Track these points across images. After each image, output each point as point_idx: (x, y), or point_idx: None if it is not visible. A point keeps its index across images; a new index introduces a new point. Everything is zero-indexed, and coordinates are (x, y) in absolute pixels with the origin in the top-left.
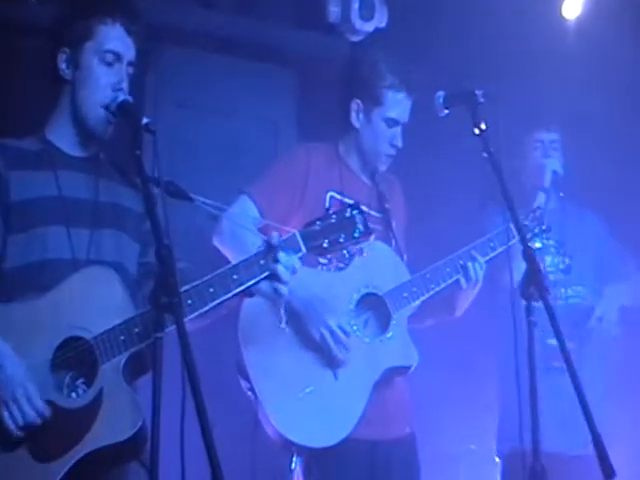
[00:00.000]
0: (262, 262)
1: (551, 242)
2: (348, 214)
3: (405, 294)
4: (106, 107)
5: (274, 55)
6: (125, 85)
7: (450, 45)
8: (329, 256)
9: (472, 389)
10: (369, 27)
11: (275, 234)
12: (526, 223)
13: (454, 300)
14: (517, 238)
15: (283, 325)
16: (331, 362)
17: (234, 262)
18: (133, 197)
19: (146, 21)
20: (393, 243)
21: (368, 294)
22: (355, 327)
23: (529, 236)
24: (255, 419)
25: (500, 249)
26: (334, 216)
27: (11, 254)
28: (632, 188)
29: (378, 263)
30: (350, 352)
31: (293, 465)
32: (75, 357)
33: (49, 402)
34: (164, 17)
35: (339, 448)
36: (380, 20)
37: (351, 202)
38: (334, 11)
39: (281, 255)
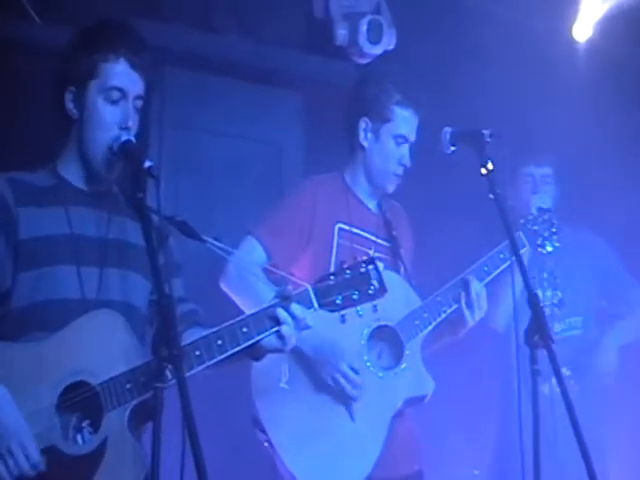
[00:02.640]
0: (272, 315)
1: (544, 275)
2: (363, 269)
3: (417, 322)
4: (109, 148)
5: (280, 78)
6: (132, 122)
7: (458, 70)
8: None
9: (476, 414)
10: (377, 50)
11: (289, 286)
12: (535, 228)
13: (457, 324)
14: (523, 284)
15: (283, 384)
16: (346, 402)
17: (243, 315)
18: None
19: (150, 45)
20: (402, 270)
21: (380, 327)
22: (368, 363)
23: (539, 241)
24: (274, 469)
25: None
26: (348, 271)
27: (19, 293)
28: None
29: (389, 293)
30: (364, 389)
31: None
32: (81, 402)
33: (52, 447)
34: (168, 40)
35: None
36: (388, 43)
37: (367, 255)
38: (342, 34)
39: (295, 307)
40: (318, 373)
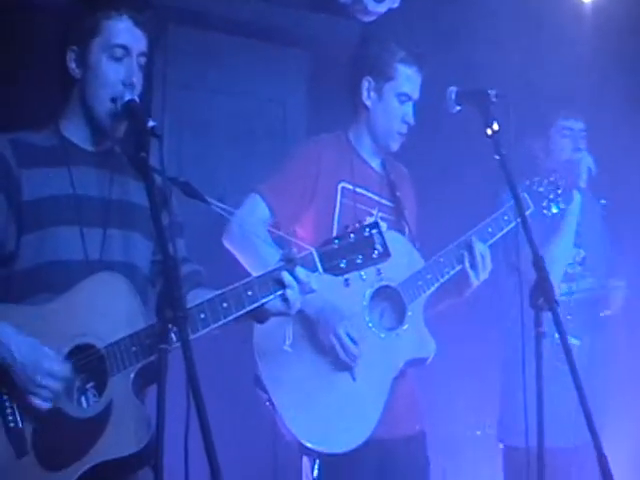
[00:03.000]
0: (277, 278)
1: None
2: (367, 233)
3: (420, 282)
4: (113, 100)
5: (284, 36)
6: (136, 79)
7: (465, 27)
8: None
9: (477, 376)
10: (382, 8)
11: (293, 249)
12: (540, 190)
13: (462, 285)
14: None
15: (287, 347)
16: (346, 364)
17: (248, 278)
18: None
19: (154, 3)
20: (406, 230)
21: (382, 287)
22: (370, 324)
23: (545, 203)
24: (275, 428)
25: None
26: (352, 235)
27: (24, 254)
28: None
29: (392, 254)
30: (366, 350)
31: (315, 472)
32: (86, 365)
33: (58, 410)
34: None
35: None
36: (393, 1)
37: (372, 218)
38: None
39: (299, 271)
40: (317, 334)
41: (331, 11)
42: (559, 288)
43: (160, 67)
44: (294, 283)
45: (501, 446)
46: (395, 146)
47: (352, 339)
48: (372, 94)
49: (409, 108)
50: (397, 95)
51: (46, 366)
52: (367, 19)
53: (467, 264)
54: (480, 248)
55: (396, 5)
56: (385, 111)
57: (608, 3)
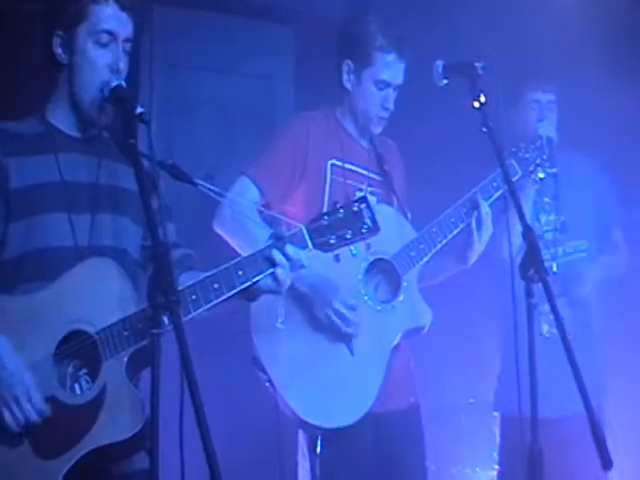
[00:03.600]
0: (267, 257)
1: (545, 199)
2: (355, 208)
3: (412, 253)
4: (100, 90)
5: (269, 11)
6: (122, 64)
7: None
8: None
9: (470, 344)
10: None
11: (283, 227)
12: (527, 156)
13: (466, 249)
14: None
15: (279, 324)
16: (344, 338)
17: (238, 258)
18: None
19: None
20: (395, 203)
21: (376, 260)
22: (366, 297)
23: (532, 168)
24: (276, 409)
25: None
26: (341, 210)
27: (12, 242)
28: (633, 137)
29: (383, 227)
30: (363, 323)
31: (318, 449)
32: (78, 351)
33: (52, 398)
34: None
35: None
36: None
37: (361, 195)
38: None
39: (289, 248)
40: (314, 310)
41: None
42: None
43: (147, 47)
44: (284, 261)
45: (496, 414)
46: (376, 129)
47: (349, 306)
48: (352, 77)
49: (388, 94)
50: (374, 82)
51: (27, 386)
52: None
53: (474, 223)
54: (485, 206)
55: None
56: (363, 96)
57: None
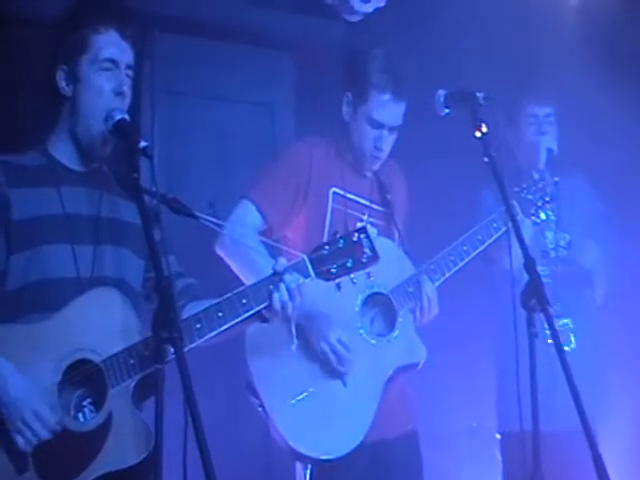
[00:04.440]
0: (271, 287)
1: (552, 217)
2: (355, 238)
3: (410, 289)
4: (105, 119)
5: (270, 39)
6: (126, 87)
7: (448, 21)
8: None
9: (472, 367)
10: (368, 8)
11: (283, 260)
12: (529, 197)
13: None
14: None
15: (294, 348)
16: (336, 371)
17: (241, 287)
18: (136, 212)
19: (139, 11)
20: (396, 236)
21: (373, 293)
22: (362, 330)
23: (533, 210)
24: (268, 434)
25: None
26: (341, 240)
27: (14, 273)
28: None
29: (382, 260)
30: (357, 356)
31: (308, 478)
32: (84, 379)
33: (58, 424)
34: (157, 5)
35: None
36: (379, 0)
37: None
38: None
39: (289, 279)
40: (310, 340)
41: (317, 13)
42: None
43: (148, 74)
44: (284, 290)
45: (498, 437)
46: (372, 166)
47: (344, 345)
48: (350, 110)
49: (382, 135)
50: (368, 120)
51: (35, 406)
52: (353, 19)
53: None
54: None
55: (382, 4)
56: (358, 132)
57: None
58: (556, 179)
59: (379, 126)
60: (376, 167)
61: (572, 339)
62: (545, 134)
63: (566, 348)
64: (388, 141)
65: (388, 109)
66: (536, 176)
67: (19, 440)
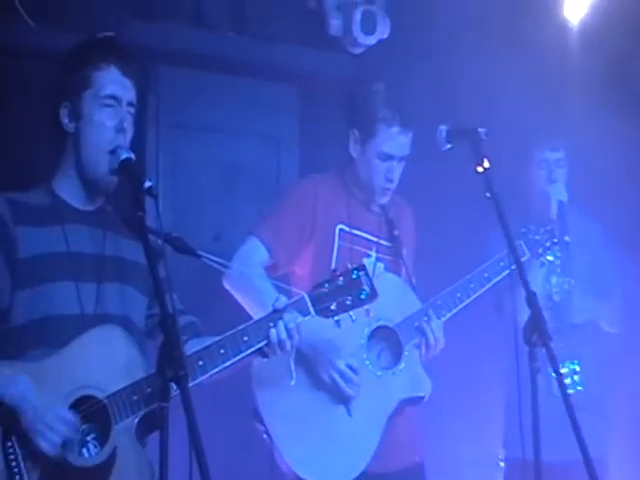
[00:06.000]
0: (271, 325)
1: (557, 262)
2: (354, 276)
3: (416, 324)
4: (109, 152)
5: (274, 71)
6: (127, 124)
7: (451, 54)
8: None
9: (476, 396)
10: (371, 40)
11: (283, 297)
12: (537, 238)
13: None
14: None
15: (293, 382)
16: (344, 399)
17: (243, 325)
18: (140, 251)
19: (144, 46)
20: (403, 271)
21: (380, 327)
22: (367, 362)
23: (540, 251)
24: (272, 461)
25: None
26: (341, 278)
27: (17, 311)
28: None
29: (388, 295)
30: (363, 387)
31: None
32: (88, 416)
33: (63, 460)
34: (162, 39)
35: None
36: (382, 32)
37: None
38: (335, 24)
39: (287, 318)
40: (316, 370)
41: (321, 45)
42: None
43: (153, 107)
44: (283, 329)
45: (502, 465)
46: (381, 200)
47: (353, 370)
48: (357, 147)
49: (392, 166)
50: (377, 154)
51: (57, 410)
52: (357, 51)
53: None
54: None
55: (386, 36)
56: (367, 167)
57: (594, 27)
58: (567, 238)
59: (389, 158)
60: (385, 200)
61: (577, 379)
62: (555, 182)
63: (571, 391)
64: (398, 171)
65: (397, 141)
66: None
67: (43, 445)
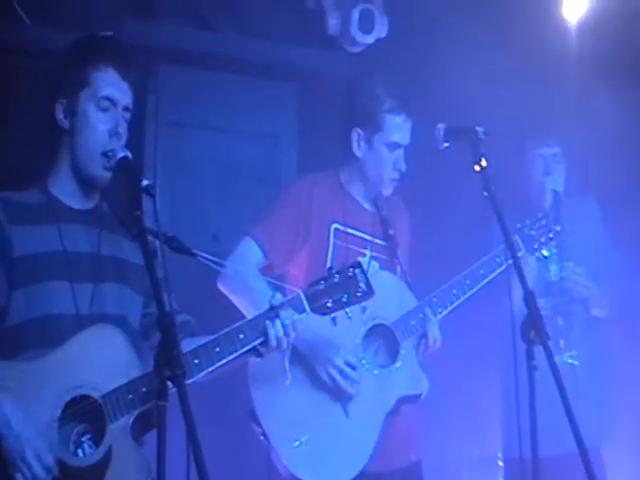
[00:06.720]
0: (267, 322)
1: (554, 250)
2: (350, 273)
3: (413, 322)
4: (102, 154)
5: (273, 70)
6: (121, 129)
7: (450, 54)
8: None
9: (474, 395)
10: (369, 39)
11: (279, 294)
12: (532, 233)
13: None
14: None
15: (288, 382)
16: (341, 398)
17: (238, 323)
18: (135, 250)
19: (143, 46)
20: (398, 270)
21: (376, 325)
22: (364, 360)
23: (536, 246)
24: (268, 462)
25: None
26: (337, 275)
27: (13, 310)
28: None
29: (384, 293)
30: (360, 386)
31: None
32: (83, 415)
33: (58, 460)
34: (161, 39)
35: None
36: (380, 31)
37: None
38: (333, 23)
39: (284, 315)
40: (313, 369)
41: (319, 44)
42: None
43: (152, 106)
44: (279, 326)
45: (501, 464)
46: (387, 191)
47: (352, 366)
48: (362, 145)
49: (400, 155)
50: (386, 145)
51: (38, 445)
52: (355, 50)
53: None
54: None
55: (384, 35)
56: (376, 161)
57: (593, 25)
58: (558, 228)
59: (397, 147)
60: (390, 191)
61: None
62: (551, 174)
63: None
64: (403, 159)
65: (403, 129)
66: (539, 215)
67: (18, 477)
